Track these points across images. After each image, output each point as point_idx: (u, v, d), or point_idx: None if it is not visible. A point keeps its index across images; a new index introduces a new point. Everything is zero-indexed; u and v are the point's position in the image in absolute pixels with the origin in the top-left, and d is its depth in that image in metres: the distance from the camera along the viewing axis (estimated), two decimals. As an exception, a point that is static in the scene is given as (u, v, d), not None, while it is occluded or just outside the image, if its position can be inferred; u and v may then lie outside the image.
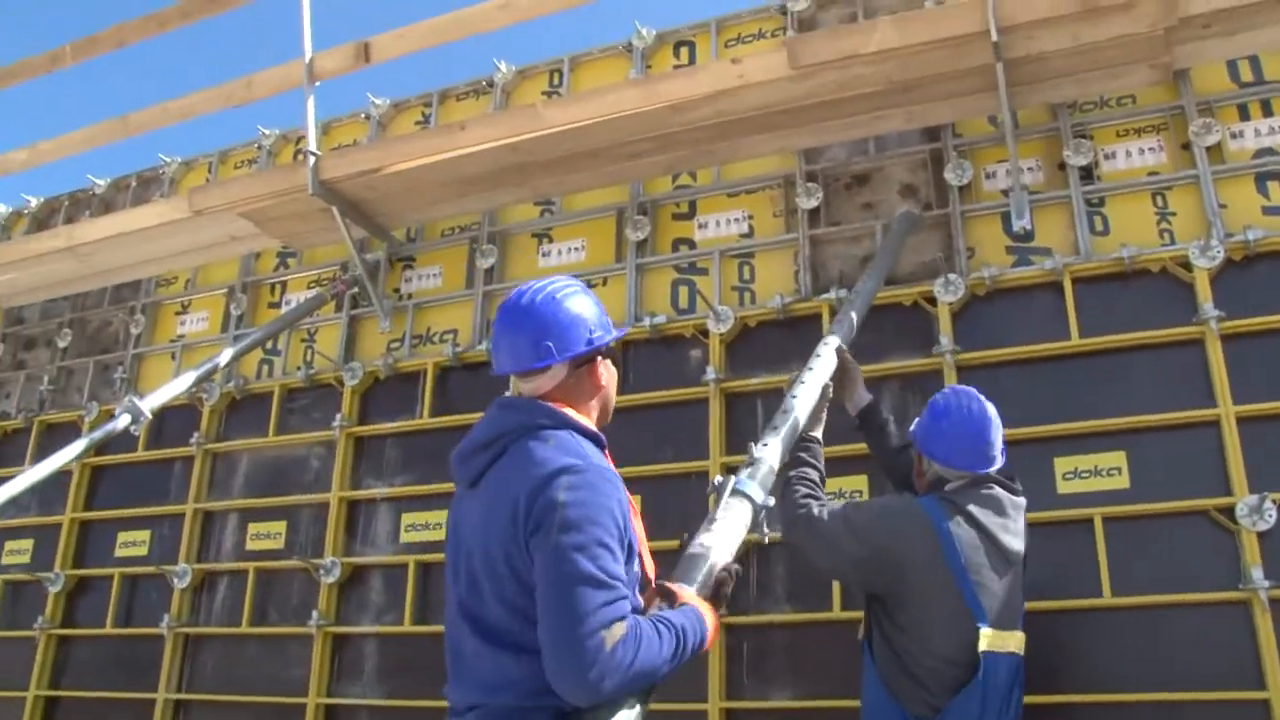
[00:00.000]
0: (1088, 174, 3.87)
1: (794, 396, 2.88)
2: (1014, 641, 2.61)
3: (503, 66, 5.20)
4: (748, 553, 3.70)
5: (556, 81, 5.14)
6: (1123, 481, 3.39)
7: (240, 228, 4.88)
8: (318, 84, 4.67)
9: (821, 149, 4.36)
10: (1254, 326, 3.39)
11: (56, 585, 5.18)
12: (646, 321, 4.30)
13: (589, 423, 1.96)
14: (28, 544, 5.51)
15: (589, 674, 1.59)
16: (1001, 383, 3.60)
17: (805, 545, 2.72)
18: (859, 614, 2.97)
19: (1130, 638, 3.21)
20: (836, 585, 3.60)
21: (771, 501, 2.44)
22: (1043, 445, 3.51)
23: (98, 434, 4.27)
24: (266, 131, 5.84)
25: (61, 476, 5.05)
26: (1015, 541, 2.68)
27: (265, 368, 5.28)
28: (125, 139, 5.30)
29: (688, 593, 1.92)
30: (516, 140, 4.13)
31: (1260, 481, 3.19)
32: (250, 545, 4.87)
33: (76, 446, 4.25)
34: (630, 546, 1.79)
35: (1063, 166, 3.90)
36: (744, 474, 2.46)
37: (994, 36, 3.39)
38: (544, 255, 4.85)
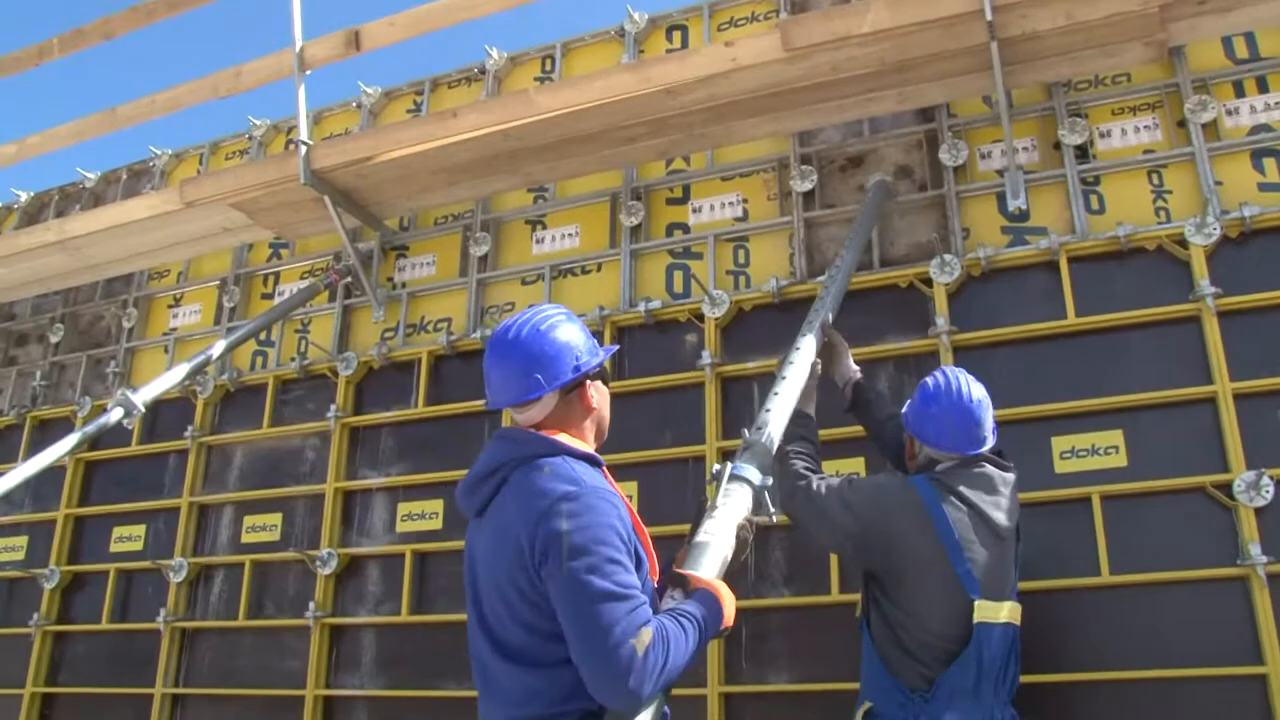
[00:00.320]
0: (1083, 153, 3.86)
1: (783, 378, 2.95)
2: (1006, 611, 2.64)
3: (494, 53, 5.17)
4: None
5: (549, 67, 5.11)
6: (1120, 460, 3.39)
7: (232, 219, 4.85)
8: (308, 73, 4.65)
9: (815, 131, 4.34)
10: (1250, 303, 3.39)
11: (51, 581, 5.15)
12: (641, 307, 4.28)
13: (584, 445, 2.02)
14: (22, 540, 5.49)
15: (628, 682, 1.66)
16: (998, 363, 3.61)
17: (803, 517, 2.77)
18: (856, 597, 3.01)
19: (1129, 615, 3.22)
20: (834, 569, 3.60)
21: (770, 481, 2.50)
22: (1040, 425, 3.51)
23: (90, 427, 4.24)
24: (257, 122, 5.81)
25: (55, 472, 5.04)
26: (1005, 517, 2.71)
27: (259, 359, 5.26)
28: (114, 132, 5.30)
29: (700, 577, 1.99)
30: (509, 126, 4.11)
31: (1257, 458, 3.19)
32: (246, 538, 4.85)
33: (69, 440, 4.22)
34: (638, 554, 1.86)
35: (1058, 145, 3.89)
36: (740, 458, 2.53)
37: (988, 15, 3.37)
38: (537, 242, 4.82)
